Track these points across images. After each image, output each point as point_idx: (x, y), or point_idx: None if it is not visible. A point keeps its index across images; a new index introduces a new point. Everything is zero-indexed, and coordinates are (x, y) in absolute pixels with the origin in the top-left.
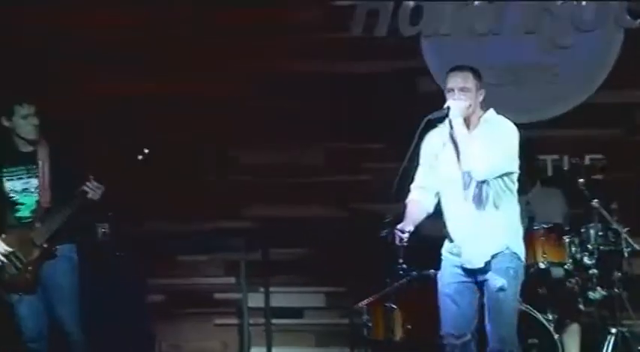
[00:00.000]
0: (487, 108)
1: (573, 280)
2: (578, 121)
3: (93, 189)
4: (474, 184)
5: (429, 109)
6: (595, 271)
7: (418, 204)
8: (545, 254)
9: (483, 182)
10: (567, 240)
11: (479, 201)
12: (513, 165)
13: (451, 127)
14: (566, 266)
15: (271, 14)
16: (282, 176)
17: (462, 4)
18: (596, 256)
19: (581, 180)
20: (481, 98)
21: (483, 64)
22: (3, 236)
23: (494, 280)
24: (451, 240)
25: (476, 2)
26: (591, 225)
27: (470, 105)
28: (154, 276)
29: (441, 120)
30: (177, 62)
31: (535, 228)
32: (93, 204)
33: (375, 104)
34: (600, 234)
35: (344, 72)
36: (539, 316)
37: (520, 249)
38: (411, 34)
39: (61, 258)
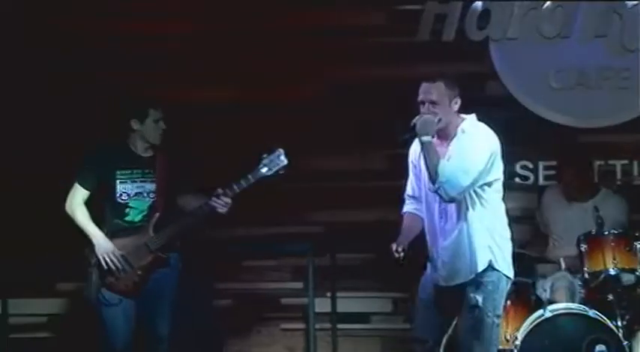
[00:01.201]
0: (469, 115)
1: None
2: None
3: (222, 205)
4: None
5: (498, 113)
6: None
7: (412, 216)
8: (615, 260)
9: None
10: (638, 246)
11: (451, 217)
12: (489, 175)
13: (421, 144)
14: (637, 273)
15: (338, 19)
16: (351, 181)
17: (531, 8)
18: None
19: None
20: (456, 107)
21: (552, 67)
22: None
23: (469, 296)
24: (430, 259)
25: (544, 5)
26: None
27: (440, 120)
28: (222, 281)
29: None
30: (247, 68)
31: (605, 233)
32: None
33: None
34: None
35: (410, 77)
36: (609, 322)
37: (502, 264)
38: (478, 38)
39: (169, 268)
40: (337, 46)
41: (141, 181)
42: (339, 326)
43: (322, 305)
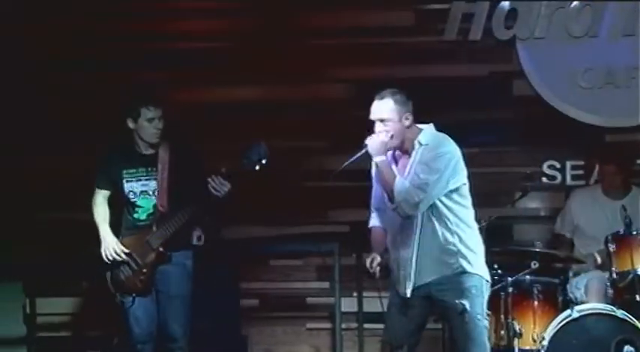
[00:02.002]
0: (425, 125)
1: None
2: None
3: (217, 185)
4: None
5: (525, 113)
6: None
7: (377, 230)
8: None
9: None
10: None
11: (414, 228)
12: (449, 183)
13: (375, 165)
14: None
15: (365, 18)
16: None
17: (558, 7)
18: None
19: None
20: (407, 123)
21: (579, 66)
22: (120, 237)
23: (455, 304)
24: (391, 271)
25: (572, 4)
26: None
27: (392, 137)
28: (248, 280)
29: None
30: (270, 68)
31: (633, 233)
32: (208, 209)
33: (470, 108)
34: None
35: (438, 76)
36: (637, 323)
37: (478, 267)
38: (505, 37)
39: (174, 265)
40: (363, 45)
41: (146, 179)
42: (366, 325)
43: (348, 304)
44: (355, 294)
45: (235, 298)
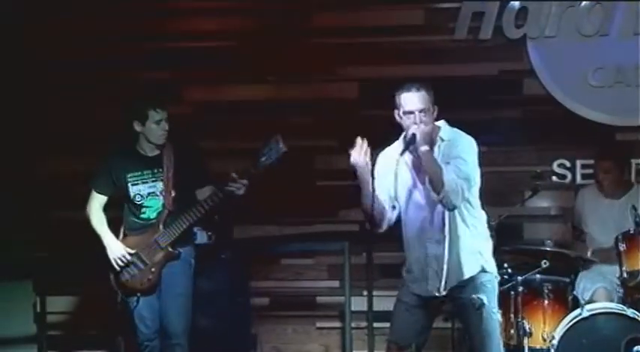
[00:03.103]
0: (439, 122)
1: None
2: None
3: (236, 186)
4: (437, 210)
5: (535, 112)
6: None
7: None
8: None
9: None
10: None
11: (441, 224)
12: (477, 179)
13: (416, 155)
14: None
15: (375, 16)
16: None
17: (569, 5)
18: None
19: None
20: (435, 116)
21: (590, 65)
22: (120, 237)
23: (473, 299)
24: (409, 271)
25: (582, 3)
26: None
27: (432, 129)
28: (258, 279)
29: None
30: (281, 68)
31: None
32: (218, 211)
33: (480, 107)
34: None
35: (448, 75)
36: None
37: (492, 266)
38: (516, 36)
39: (179, 263)
40: (372, 44)
41: (152, 181)
42: (375, 324)
43: (358, 303)
44: (365, 293)
45: (246, 296)
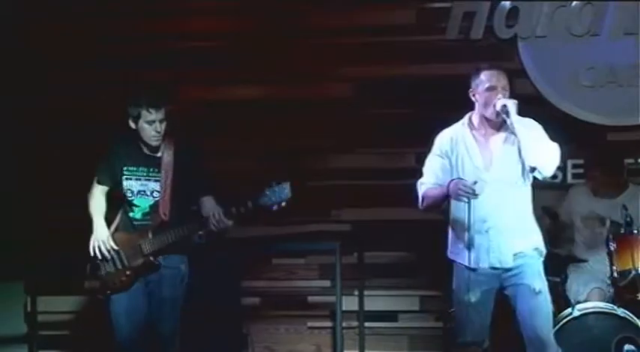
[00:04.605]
0: None
1: None
2: None
3: (216, 225)
4: (515, 180)
5: (526, 112)
6: None
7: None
8: None
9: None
10: None
11: (505, 198)
12: None
13: (507, 126)
14: None
15: (366, 17)
16: (378, 179)
17: (560, 5)
18: None
19: None
20: None
21: (581, 65)
22: (111, 230)
23: (531, 284)
24: (469, 246)
25: (573, 3)
26: None
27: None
28: (249, 279)
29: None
30: (278, 66)
31: (634, 232)
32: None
33: (470, 107)
34: None
35: (439, 75)
36: (638, 322)
37: (543, 247)
38: (507, 36)
39: (167, 269)
40: (365, 44)
41: (145, 179)
42: (367, 324)
43: (349, 303)
44: (356, 293)
45: (237, 296)
